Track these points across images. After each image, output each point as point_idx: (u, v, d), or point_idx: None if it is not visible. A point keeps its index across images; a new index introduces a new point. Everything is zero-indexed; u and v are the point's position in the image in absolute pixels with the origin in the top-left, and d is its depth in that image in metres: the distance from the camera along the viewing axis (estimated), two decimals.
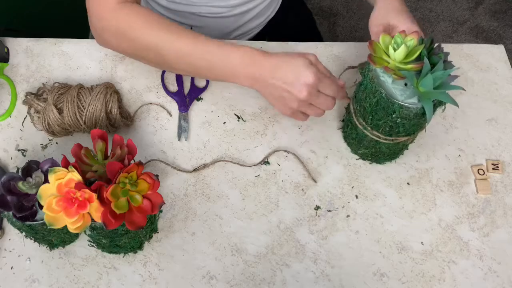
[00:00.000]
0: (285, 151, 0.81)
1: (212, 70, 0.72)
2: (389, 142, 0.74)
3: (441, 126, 0.85)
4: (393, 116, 0.68)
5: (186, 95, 0.85)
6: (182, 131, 0.82)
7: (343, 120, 0.83)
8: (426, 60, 0.65)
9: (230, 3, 0.96)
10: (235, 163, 0.79)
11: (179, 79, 0.86)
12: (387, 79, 0.68)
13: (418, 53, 0.67)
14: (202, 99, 0.85)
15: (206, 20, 0.99)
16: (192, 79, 0.87)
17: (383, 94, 0.67)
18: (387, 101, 0.67)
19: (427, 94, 0.65)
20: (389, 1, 0.80)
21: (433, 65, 0.66)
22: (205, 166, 0.79)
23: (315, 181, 0.78)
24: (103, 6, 0.73)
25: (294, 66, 0.68)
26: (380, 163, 0.80)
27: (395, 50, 0.67)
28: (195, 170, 0.78)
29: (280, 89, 0.69)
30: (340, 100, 0.73)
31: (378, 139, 0.74)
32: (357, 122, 0.75)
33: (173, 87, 0.86)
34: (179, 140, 0.81)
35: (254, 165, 0.79)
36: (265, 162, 0.80)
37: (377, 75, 0.69)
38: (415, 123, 0.69)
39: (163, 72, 0.86)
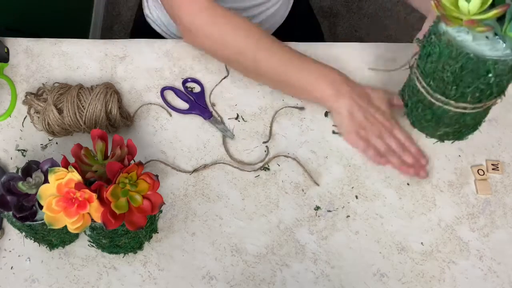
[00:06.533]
0: (285, 156, 0.81)
1: (301, 81, 0.79)
2: (477, 110, 0.66)
3: None
4: (489, 76, 0.60)
5: (198, 102, 0.84)
6: (225, 132, 0.82)
7: (406, 105, 0.77)
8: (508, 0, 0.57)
9: (236, 5, 0.95)
10: (234, 167, 0.79)
11: (180, 94, 0.85)
12: (466, 38, 0.60)
13: None
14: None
15: None
16: (185, 87, 0.86)
17: (471, 55, 0.58)
18: (477, 62, 0.59)
19: None
20: None
21: None
22: (205, 166, 0.79)
23: (317, 184, 0.78)
24: (194, 5, 0.77)
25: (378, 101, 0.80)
26: (462, 139, 0.75)
27: (468, 1, 0.57)
28: (195, 170, 0.78)
29: (362, 109, 0.78)
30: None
31: (464, 110, 0.66)
32: (432, 100, 0.67)
33: (183, 104, 0.85)
34: (232, 139, 0.82)
35: (254, 170, 0.79)
36: (265, 168, 0.79)
37: (453, 37, 0.60)
38: (510, 77, 0.61)
39: (162, 95, 0.85)
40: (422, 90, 0.68)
